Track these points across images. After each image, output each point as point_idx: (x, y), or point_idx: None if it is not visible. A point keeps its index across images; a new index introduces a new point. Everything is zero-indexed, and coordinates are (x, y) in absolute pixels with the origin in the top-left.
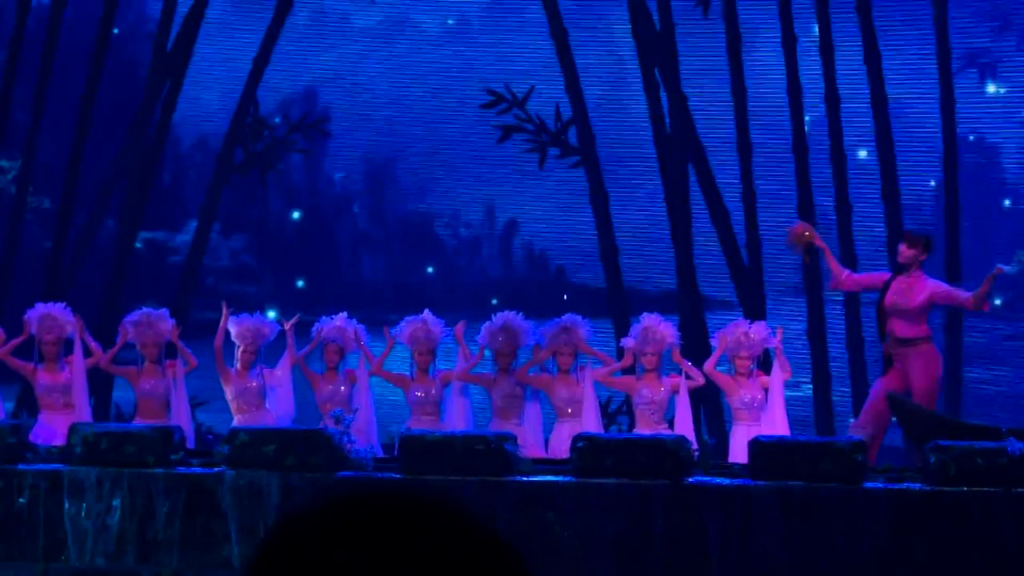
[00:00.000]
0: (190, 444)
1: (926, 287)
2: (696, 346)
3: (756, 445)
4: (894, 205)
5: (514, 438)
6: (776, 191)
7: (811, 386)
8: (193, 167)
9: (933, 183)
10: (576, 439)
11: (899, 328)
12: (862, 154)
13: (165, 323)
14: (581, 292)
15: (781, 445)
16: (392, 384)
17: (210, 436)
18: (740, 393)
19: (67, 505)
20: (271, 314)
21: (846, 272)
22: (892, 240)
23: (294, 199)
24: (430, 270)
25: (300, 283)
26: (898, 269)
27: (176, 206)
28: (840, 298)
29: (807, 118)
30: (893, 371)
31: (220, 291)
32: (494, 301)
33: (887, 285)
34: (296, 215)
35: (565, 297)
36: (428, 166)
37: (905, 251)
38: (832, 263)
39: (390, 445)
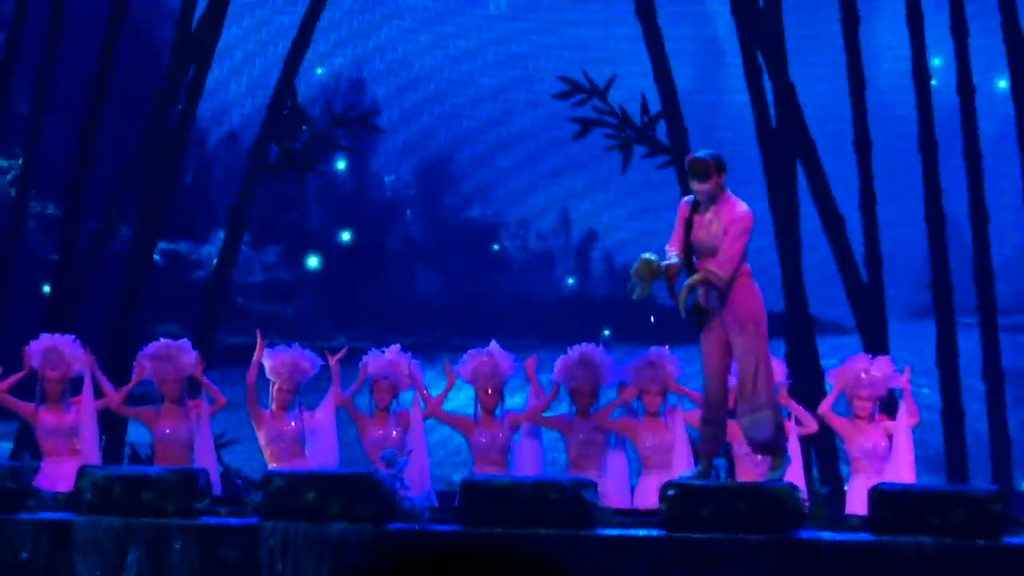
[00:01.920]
0: (216, 490)
1: None
2: (806, 377)
3: (877, 494)
4: None
5: (594, 485)
6: (900, 195)
7: (941, 425)
8: (221, 166)
9: None
10: (666, 486)
11: None
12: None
13: (187, 356)
14: (670, 314)
15: (907, 494)
16: (453, 427)
17: (240, 481)
18: (860, 440)
19: (75, 561)
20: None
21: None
22: None
23: (337, 204)
24: (494, 288)
25: (342, 304)
26: None
27: (201, 212)
28: (974, 322)
29: (936, 110)
30: None
31: (251, 311)
32: (606, 332)
33: None
34: (339, 223)
35: (652, 319)
36: (492, 166)
37: None
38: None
39: (449, 493)
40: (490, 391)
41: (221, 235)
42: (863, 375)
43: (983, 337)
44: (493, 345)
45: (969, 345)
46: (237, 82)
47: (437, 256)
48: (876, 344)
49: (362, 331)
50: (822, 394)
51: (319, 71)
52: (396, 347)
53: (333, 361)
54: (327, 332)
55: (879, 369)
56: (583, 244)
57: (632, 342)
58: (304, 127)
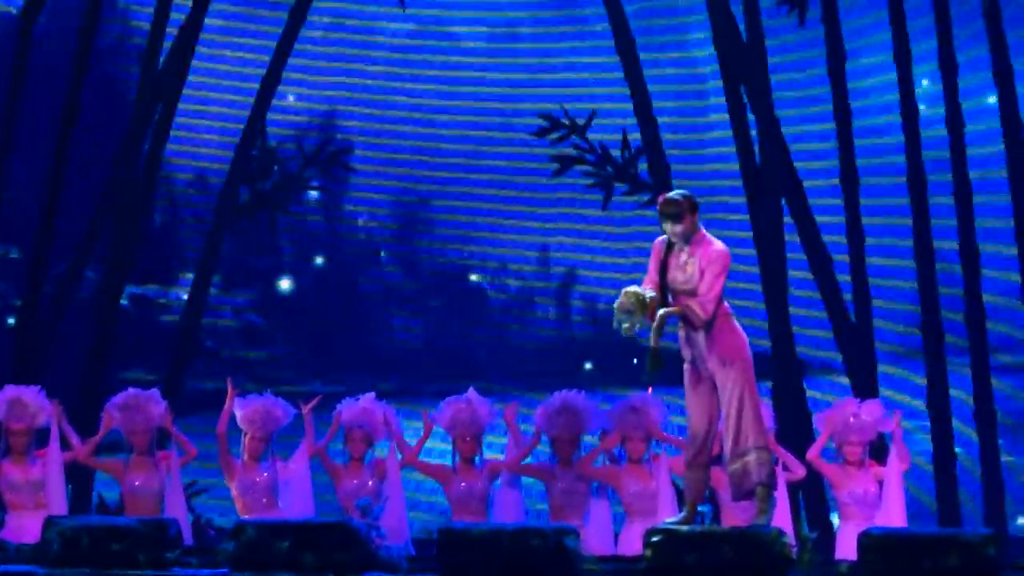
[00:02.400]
0: (187, 540)
1: None
2: (793, 420)
3: (867, 539)
4: None
5: (576, 532)
6: (889, 233)
7: (932, 468)
8: (190, 208)
9: None
10: (650, 532)
11: None
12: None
13: (157, 406)
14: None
15: (898, 538)
16: (430, 477)
17: (212, 531)
18: (849, 486)
19: None
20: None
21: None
22: None
23: (310, 246)
24: (472, 331)
25: (316, 348)
26: None
27: (170, 255)
28: (966, 362)
29: (925, 146)
30: None
31: (222, 356)
32: (588, 366)
33: None
34: (312, 266)
35: (635, 361)
36: (469, 206)
37: None
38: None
39: (428, 542)
40: (468, 439)
41: (191, 278)
42: (852, 419)
43: (975, 377)
44: (471, 392)
45: (961, 386)
46: (206, 121)
47: (413, 298)
48: (865, 385)
49: (337, 376)
50: (810, 437)
51: (290, 109)
52: (370, 395)
53: (306, 410)
54: (301, 377)
55: (869, 413)
56: (563, 285)
57: (615, 384)
58: (275, 167)
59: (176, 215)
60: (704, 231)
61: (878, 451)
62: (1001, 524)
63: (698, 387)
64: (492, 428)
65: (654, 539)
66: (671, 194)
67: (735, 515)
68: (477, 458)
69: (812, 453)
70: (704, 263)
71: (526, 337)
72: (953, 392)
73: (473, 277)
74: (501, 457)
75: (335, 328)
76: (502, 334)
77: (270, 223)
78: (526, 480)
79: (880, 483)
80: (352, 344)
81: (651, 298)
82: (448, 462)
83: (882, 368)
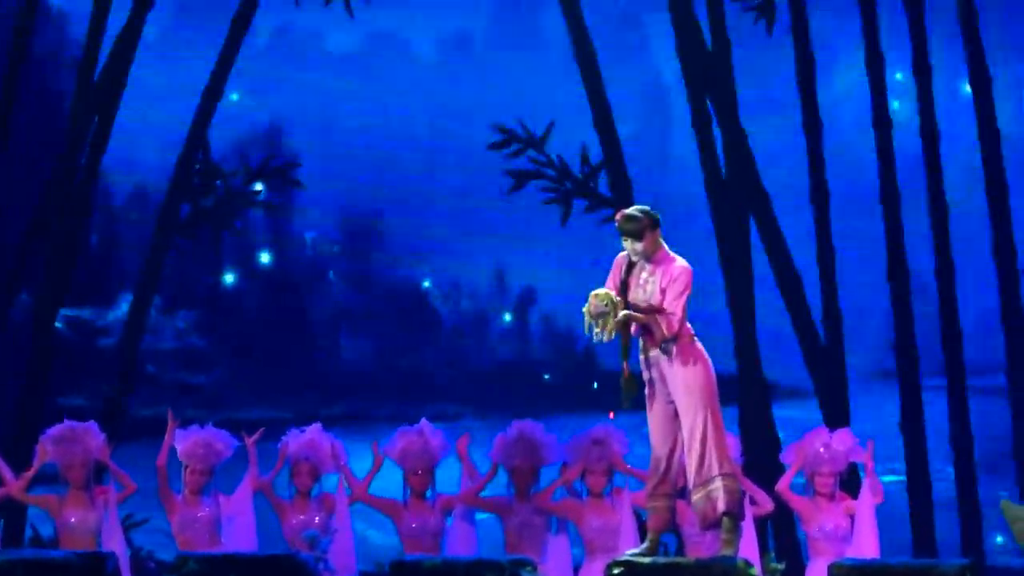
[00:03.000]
0: (126, 575)
1: None
2: (762, 446)
3: (838, 570)
4: (1009, 267)
5: (533, 564)
6: (861, 250)
7: (906, 494)
8: (129, 226)
9: None
10: (611, 565)
11: None
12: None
13: (94, 439)
14: (615, 379)
15: (870, 570)
16: (381, 512)
17: (152, 564)
18: (820, 520)
19: None
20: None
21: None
22: (1008, 311)
23: (255, 265)
24: (425, 353)
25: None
26: None
27: (108, 275)
28: (942, 384)
29: (898, 159)
30: None
31: (163, 381)
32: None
33: None
34: (258, 285)
35: (596, 385)
36: (422, 222)
37: None
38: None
39: (378, 575)
40: (420, 472)
41: (130, 299)
42: (822, 450)
43: (951, 400)
44: (423, 423)
45: (937, 409)
46: (146, 134)
47: (363, 320)
48: (836, 409)
49: (284, 400)
50: (777, 465)
51: (234, 121)
52: (317, 426)
53: (250, 442)
54: (246, 403)
55: (840, 443)
56: (520, 305)
57: (575, 407)
58: (218, 182)
59: (114, 233)
60: (666, 248)
61: (850, 484)
62: (979, 554)
63: (660, 413)
64: (445, 460)
65: (615, 571)
66: (630, 210)
67: (700, 547)
68: (429, 492)
69: (781, 485)
70: (666, 281)
71: (482, 358)
72: (928, 416)
73: (426, 296)
74: (455, 491)
75: (282, 350)
76: (457, 355)
77: (213, 241)
78: (481, 515)
79: (852, 517)
80: (300, 367)
81: (619, 300)
82: (399, 496)
83: (854, 391)
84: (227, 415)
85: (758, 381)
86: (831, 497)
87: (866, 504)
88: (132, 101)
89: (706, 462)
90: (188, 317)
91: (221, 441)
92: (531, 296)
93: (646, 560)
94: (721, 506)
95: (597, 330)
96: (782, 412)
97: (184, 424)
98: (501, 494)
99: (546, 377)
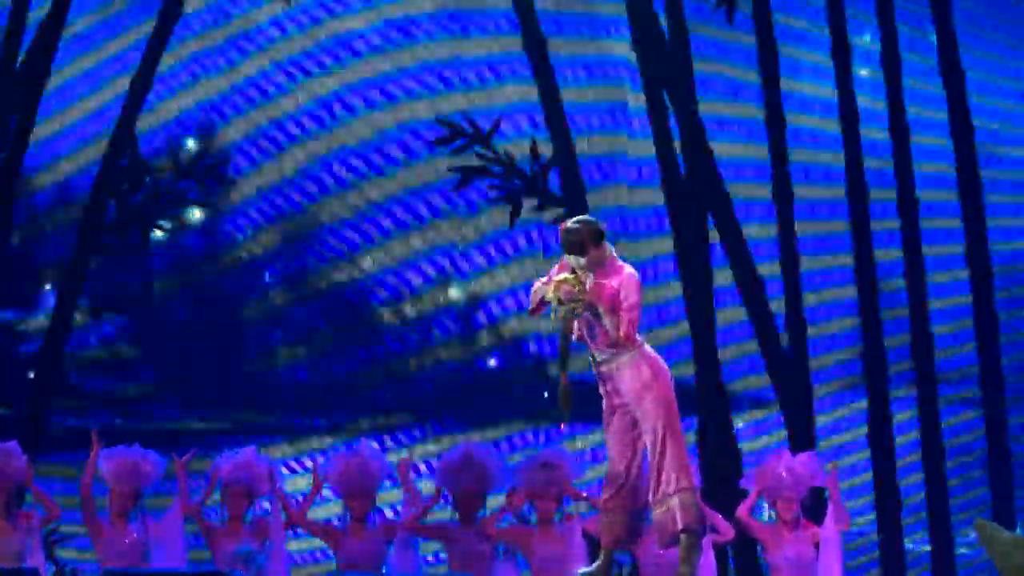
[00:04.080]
0: None
1: None
2: (721, 460)
3: None
4: (983, 270)
5: None
6: (827, 253)
7: (874, 515)
8: (51, 225)
9: None
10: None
11: None
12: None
13: (16, 462)
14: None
15: None
16: (318, 538)
17: None
18: (783, 548)
19: None
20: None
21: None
22: (981, 318)
23: (186, 267)
24: (366, 360)
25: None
26: None
27: (28, 277)
28: (912, 395)
29: (866, 155)
30: None
31: (88, 390)
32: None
33: None
34: (188, 289)
35: (546, 395)
36: (361, 221)
37: None
38: None
39: None
40: (359, 496)
41: (52, 302)
42: (785, 474)
43: (921, 411)
44: (363, 444)
45: (906, 421)
46: (70, 128)
47: (300, 325)
48: (800, 419)
49: (215, 412)
50: (738, 475)
51: (162, 115)
52: (251, 448)
53: (179, 464)
54: (176, 412)
55: (803, 467)
56: (466, 310)
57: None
58: (146, 179)
59: (36, 232)
60: (615, 256)
61: (815, 510)
62: (951, 573)
63: (618, 424)
64: (385, 484)
65: None
66: (570, 222)
67: (656, 566)
68: (369, 517)
69: (742, 511)
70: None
71: (425, 366)
72: (897, 427)
73: (366, 300)
74: (396, 517)
75: (215, 358)
76: (399, 363)
77: (142, 241)
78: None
79: (816, 545)
80: (234, 376)
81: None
82: (337, 522)
83: (819, 402)
84: (156, 426)
85: (718, 390)
86: (794, 524)
87: (831, 531)
88: (56, 93)
89: (663, 477)
90: (115, 322)
91: (149, 462)
92: (477, 300)
93: None
94: (680, 522)
95: (562, 312)
96: (743, 423)
97: (110, 440)
98: (445, 520)
99: (492, 363)
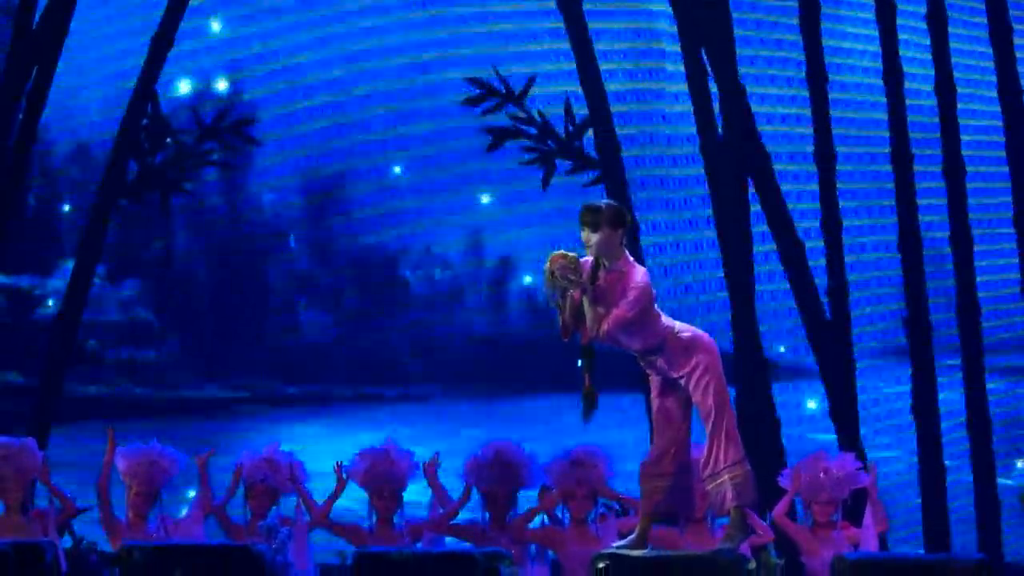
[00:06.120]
0: (64, 567)
1: None
2: (761, 430)
3: (841, 564)
4: None
5: (510, 558)
6: (870, 216)
7: (917, 484)
8: (69, 187)
9: None
10: (596, 558)
11: None
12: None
13: (31, 457)
14: (602, 358)
15: (877, 564)
16: (343, 539)
17: (94, 556)
18: (820, 552)
19: None
20: None
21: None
22: None
23: (208, 230)
24: (393, 327)
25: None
26: None
27: (45, 241)
28: (958, 363)
29: (911, 116)
30: None
31: (106, 356)
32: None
33: None
34: (211, 253)
35: (580, 364)
36: (390, 184)
37: None
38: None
39: (341, 568)
40: (386, 496)
41: (70, 267)
42: (822, 475)
43: (967, 381)
44: (389, 442)
45: (951, 391)
46: (89, 87)
47: (326, 290)
48: (841, 390)
49: (238, 380)
50: (775, 447)
51: (185, 73)
52: (275, 444)
53: (200, 461)
54: (196, 381)
55: (841, 468)
56: (498, 275)
57: (557, 390)
58: (168, 140)
59: (54, 194)
60: (629, 256)
61: (854, 509)
62: (996, 549)
63: (661, 396)
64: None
65: (600, 565)
66: (595, 201)
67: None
68: (397, 517)
69: (778, 512)
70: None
71: (455, 334)
72: (943, 398)
73: (395, 264)
74: (424, 517)
75: (236, 325)
76: (427, 330)
77: (163, 203)
78: (452, 541)
79: (856, 547)
80: (255, 343)
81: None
82: (363, 522)
83: (861, 370)
84: (176, 394)
85: (757, 358)
86: (832, 527)
87: (870, 533)
88: (74, 51)
89: (715, 452)
90: (134, 287)
91: (167, 459)
92: (510, 265)
93: (634, 554)
94: (732, 499)
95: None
96: (783, 392)
97: (129, 412)
98: (475, 519)
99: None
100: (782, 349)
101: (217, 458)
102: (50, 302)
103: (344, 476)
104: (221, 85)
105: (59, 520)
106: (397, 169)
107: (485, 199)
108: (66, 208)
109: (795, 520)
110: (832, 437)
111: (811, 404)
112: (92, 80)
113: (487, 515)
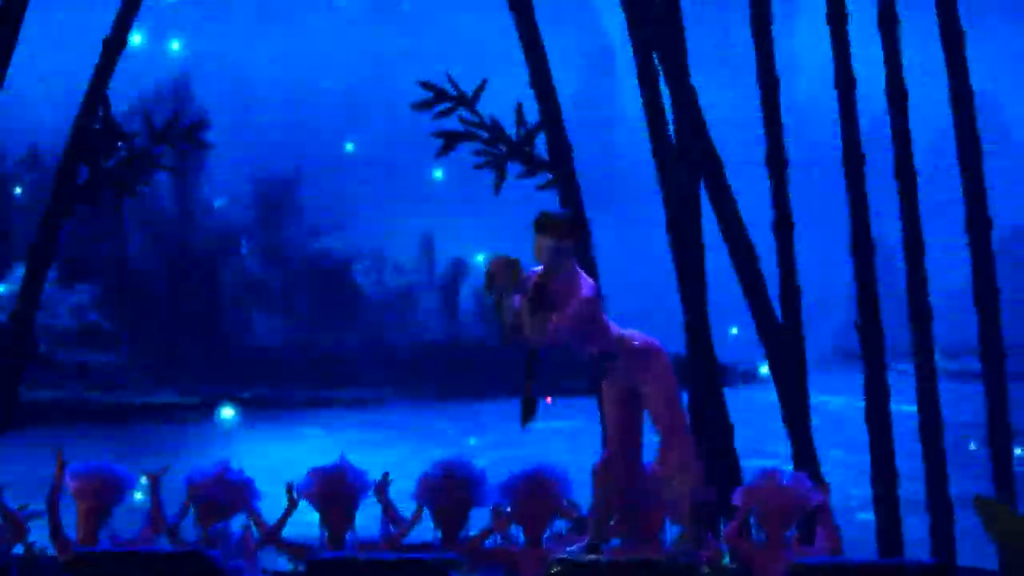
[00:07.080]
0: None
1: None
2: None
3: (798, 569)
4: (982, 240)
5: (461, 563)
6: (821, 220)
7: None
8: (21, 190)
9: None
10: (550, 564)
11: None
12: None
13: None
14: (553, 360)
15: (832, 570)
16: (294, 558)
17: (46, 561)
18: (772, 571)
19: None
20: None
21: None
22: (980, 290)
23: (160, 234)
24: (345, 331)
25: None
26: None
27: None
28: (910, 369)
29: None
30: None
31: (59, 361)
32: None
33: None
34: (163, 257)
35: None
36: (342, 188)
37: None
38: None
39: (294, 573)
40: (337, 515)
41: (21, 271)
42: (775, 495)
43: (919, 385)
44: (342, 459)
45: (903, 395)
46: (40, 90)
47: (278, 295)
48: (793, 394)
49: (190, 385)
50: (728, 450)
51: (137, 76)
52: (225, 462)
53: (152, 479)
54: (149, 386)
55: (794, 489)
56: (450, 279)
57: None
58: (120, 143)
59: (5, 199)
60: (579, 269)
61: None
62: (950, 556)
63: (610, 392)
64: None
65: (553, 571)
66: (556, 211)
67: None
68: (348, 535)
69: (729, 532)
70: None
71: (407, 337)
72: (896, 401)
73: (347, 269)
74: (376, 536)
75: (189, 329)
76: (379, 334)
77: (115, 207)
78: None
79: None
80: (208, 347)
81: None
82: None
83: (814, 375)
84: (128, 399)
85: (709, 363)
86: (785, 545)
87: (821, 553)
88: (25, 53)
89: (668, 455)
90: (86, 291)
91: (118, 478)
92: (461, 269)
93: (587, 558)
94: (687, 502)
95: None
96: (735, 396)
97: (82, 417)
98: (427, 539)
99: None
100: (734, 352)
101: (168, 463)
102: (1, 306)
103: (295, 496)
104: (172, 89)
105: (10, 545)
106: (349, 174)
107: (437, 204)
108: (17, 212)
109: (748, 535)
110: (784, 442)
111: (763, 407)
112: (44, 83)
113: (439, 534)
